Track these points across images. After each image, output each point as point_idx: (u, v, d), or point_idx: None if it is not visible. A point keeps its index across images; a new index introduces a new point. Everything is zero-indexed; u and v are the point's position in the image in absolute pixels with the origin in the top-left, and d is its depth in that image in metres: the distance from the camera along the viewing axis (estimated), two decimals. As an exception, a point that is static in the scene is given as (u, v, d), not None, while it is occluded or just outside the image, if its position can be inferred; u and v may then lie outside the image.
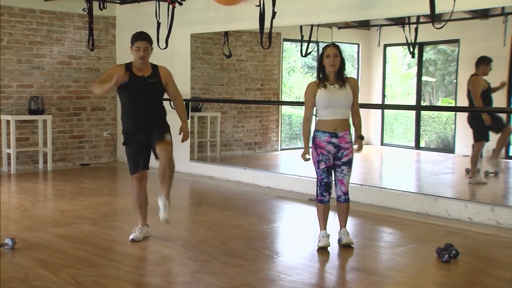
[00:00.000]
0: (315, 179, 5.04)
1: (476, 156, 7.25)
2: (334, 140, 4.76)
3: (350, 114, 4.88)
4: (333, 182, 4.91)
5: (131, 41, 4.93)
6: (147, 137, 4.92)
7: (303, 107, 4.96)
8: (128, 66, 4.96)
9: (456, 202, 5.95)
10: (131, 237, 4.93)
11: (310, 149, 4.85)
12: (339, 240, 4.87)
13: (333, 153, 4.77)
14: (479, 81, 7.11)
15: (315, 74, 4.93)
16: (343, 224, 4.89)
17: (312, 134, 4.91)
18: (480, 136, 7.26)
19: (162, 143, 4.82)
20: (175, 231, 5.32)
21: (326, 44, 4.84)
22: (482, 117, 7.06)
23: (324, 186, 4.83)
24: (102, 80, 4.91)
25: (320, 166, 4.80)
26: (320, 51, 4.85)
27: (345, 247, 4.80)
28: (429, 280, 4.16)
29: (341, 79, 4.76)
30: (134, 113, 4.95)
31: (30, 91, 8.82)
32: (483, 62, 7.14)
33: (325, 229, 4.85)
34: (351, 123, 4.94)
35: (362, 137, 4.90)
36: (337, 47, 4.76)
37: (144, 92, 4.92)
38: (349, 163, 4.81)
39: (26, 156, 8.90)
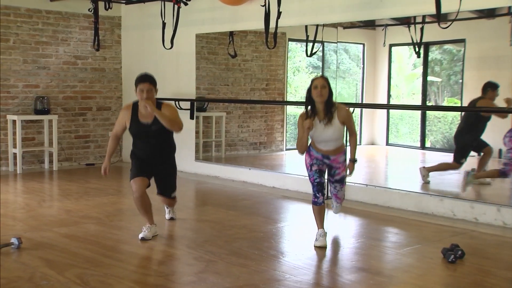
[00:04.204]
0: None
1: (444, 168, 7.26)
2: (326, 160, 4.88)
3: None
4: (326, 182, 5.08)
5: (135, 83, 4.89)
6: (154, 166, 5.11)
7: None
8: (135, 108, 4.96)
9: (462, 203, 5.93)
10: (140, 236, 4.94)
11: (304, 156, 4.93)
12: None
13: (325, 169, 4.95)
14: (490, 105, 6.86)
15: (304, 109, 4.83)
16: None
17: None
18: (460, 156, 7.11)
19: (169, 199, 5.40)
20: (180, 231, 5.33)
21: (314, 77, 4.81)
22: (469, 135, 7.02)
23: (317, 186, 4.85)
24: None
25: (313, 168, 4.88)
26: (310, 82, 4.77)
27: (349, 248, 4.79)
28: (434, 280, 4.15)
29: (329, 112, 4.72)
30: (142, 152, 5.08)
31: (36, 91, 8.85)
32: (491, 88, 6.92)
33: (322, 227, 4.91)
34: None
35: (355, 161, 4.91)
36: (326, 79, 4.75)
37: (148, 137, 4.98)
38: (341, 181, 5.02)
39: (32, 156, 8.93)
